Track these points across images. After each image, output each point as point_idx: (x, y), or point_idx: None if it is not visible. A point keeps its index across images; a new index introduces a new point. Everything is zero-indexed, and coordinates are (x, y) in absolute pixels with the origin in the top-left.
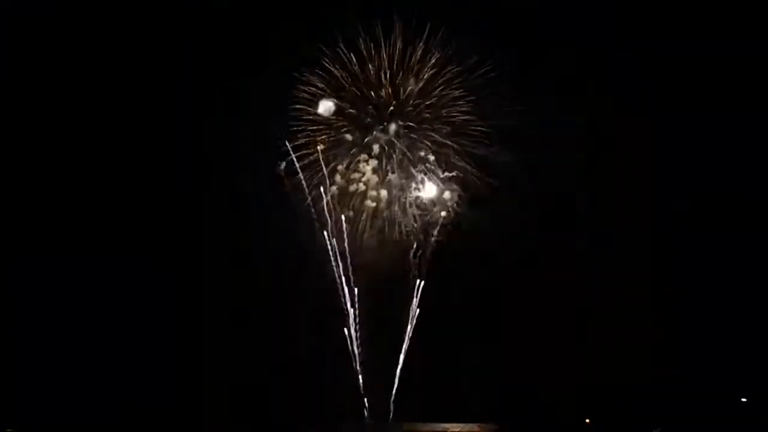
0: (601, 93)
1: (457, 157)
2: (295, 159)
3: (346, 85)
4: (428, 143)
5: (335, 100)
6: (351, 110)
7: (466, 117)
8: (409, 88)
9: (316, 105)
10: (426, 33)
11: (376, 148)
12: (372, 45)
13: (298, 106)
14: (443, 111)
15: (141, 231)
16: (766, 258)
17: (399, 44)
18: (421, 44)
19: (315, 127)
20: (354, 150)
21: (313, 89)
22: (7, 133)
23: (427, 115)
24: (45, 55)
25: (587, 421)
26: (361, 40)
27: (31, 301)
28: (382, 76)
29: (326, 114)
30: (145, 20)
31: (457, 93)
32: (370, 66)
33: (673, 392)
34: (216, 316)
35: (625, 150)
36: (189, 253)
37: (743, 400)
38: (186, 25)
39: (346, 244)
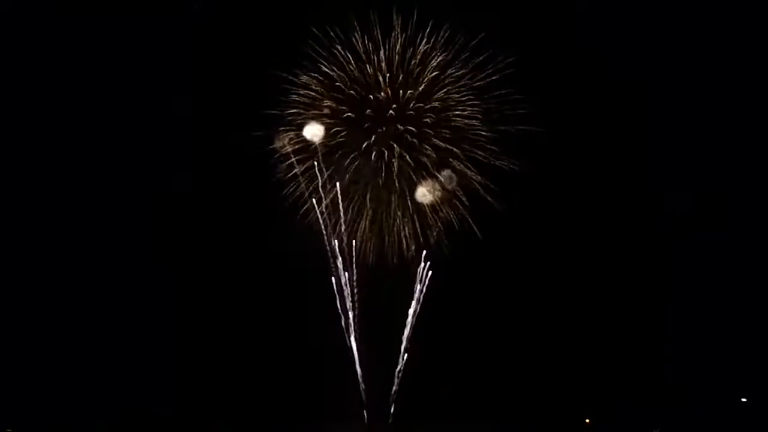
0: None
1: (456, 161)
2: (295, 162)
3: (345, 88)
4: (428, 147)
5: (333, 102)
6: (350, 114)
7: (467, 121)
8: (409, 91)
9: (314, 108)
10: (426, 33)
11: (375, 151)
12: (371, 46)
13: (294, 110)
14: (443, 114)
15: (141, 231)
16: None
17: (398, 46)
18: (420, 46)
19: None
20: (354, 153)
21: (312, 93)
22: (7, 134)
23: (427, 120)
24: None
25: (587, 421)
26: (359, 41)
27: (31, 301)
28: (381, 78)
29: (313, 139)
30: (144, 21)
31: (457, 96)
32: (368, 68)
33: (673, 392)
34: (216, 317)
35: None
36: (189, 253)
37: (743, 400)
38: (185, 26)
39: (344, 245)
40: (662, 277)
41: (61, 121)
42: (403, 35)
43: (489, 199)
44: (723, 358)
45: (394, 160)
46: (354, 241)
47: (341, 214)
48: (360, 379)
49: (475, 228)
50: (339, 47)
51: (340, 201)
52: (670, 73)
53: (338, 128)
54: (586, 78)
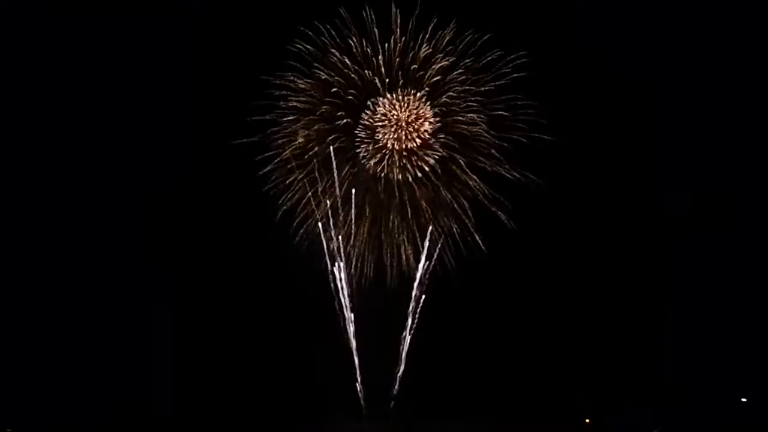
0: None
1: (456, 167)
2: (295, 166)
3: (342, 93)
4: (429, 153)
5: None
6: (348, 120)
7: (470, 128)
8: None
9: (312, 113)
10: (426, 37)
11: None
12: (369, 50)
13: (293, 116)
14: (444, 121)
15: (141, 231)
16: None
17: (398, 50)
18: (421, 52)
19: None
20: (352, 160)
21: (311, 99)
22: (7, 133)
23: (428, 129)
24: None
25: (587, 421)
26: (357, 47)
27: (32, 301)
28: (379, 83)
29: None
30: (144, 21)
31: (458, 102)
32: (367, 72)
33: (673, 392)
34: (216, 317)
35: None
36: (189, 254)
37: (743, 400)
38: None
39: (343, 247)
40: (662, 277)
41: (61, 121)
42: (403, 39)
43: (486, 202)
44: (723, 358)
45: (394, 165)
46: (353, 243)
47: (341, 217)
48: (360, 379)
49: (474, 231)
50: (337, 52)
51: (339, 204)
52: (670, 73)
53: (337, 134)
54: (586, 79)
